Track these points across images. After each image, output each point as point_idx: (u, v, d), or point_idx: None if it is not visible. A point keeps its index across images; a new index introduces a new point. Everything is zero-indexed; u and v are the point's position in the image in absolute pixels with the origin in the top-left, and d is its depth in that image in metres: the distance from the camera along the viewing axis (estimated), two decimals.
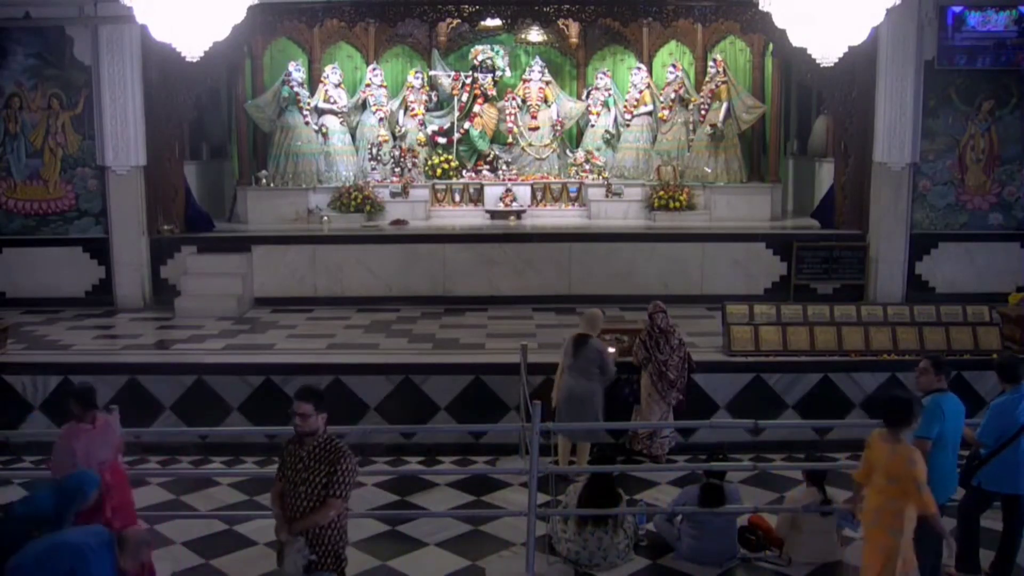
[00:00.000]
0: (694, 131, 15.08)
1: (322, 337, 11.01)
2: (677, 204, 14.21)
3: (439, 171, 15.16)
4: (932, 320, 10.24)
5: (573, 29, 15.77)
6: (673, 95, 15.19)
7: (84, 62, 12.22)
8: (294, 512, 5.16)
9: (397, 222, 14.04)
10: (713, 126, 14.69)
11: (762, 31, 13.05)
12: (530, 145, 15.56)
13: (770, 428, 9.12)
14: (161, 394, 9.64)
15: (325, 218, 14.10)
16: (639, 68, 15.48)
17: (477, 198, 14.89)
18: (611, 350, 8.98)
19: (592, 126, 15.76)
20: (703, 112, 14.87)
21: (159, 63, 12.04)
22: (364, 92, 15.25)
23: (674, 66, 15.34)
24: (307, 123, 14.68)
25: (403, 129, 15.42)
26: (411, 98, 15.47)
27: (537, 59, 15.83)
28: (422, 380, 9.66)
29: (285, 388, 9.61)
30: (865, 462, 5.75)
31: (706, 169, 14.82)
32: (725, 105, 14.68)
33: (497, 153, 15.64)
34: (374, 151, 15.00)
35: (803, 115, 16.39)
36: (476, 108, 15.64)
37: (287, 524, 5.18)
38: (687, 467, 8.61)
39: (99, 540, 4.89)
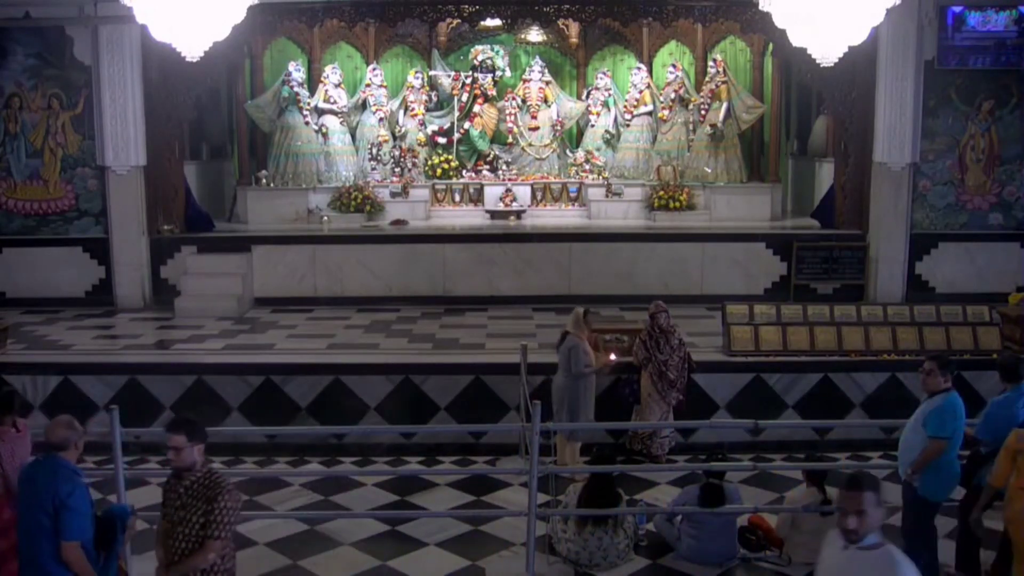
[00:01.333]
0: (694, 131, 15.08)
1: (322, 337, 11.01)
2: (677, 204, 14.21)
3: (439, 171, 15.16)
4: (932, 320, 10.23)
5: (573, 29, 15.77)
6: (673, 95, 15.19)
7: (84, 62, 12.22)
8: (173, 554, 4.68)
9: (397, 222, 14.04)
10: (713, 126, 14.69)
11: (762, 31, 13.05)
12: (530, 145, 15.56)
13: (770, 428, 9.12)
14: (161, 394, 9.63)
15: (325, 218, 14.10)
16: (639, 68, 15.48)
17: (477, 198, 14.89)
18: (612, 357, 8.90)
19: (592, 126, 15.77)
20: (703, 112, 14.87)
21: (159, 63, 12.04)
22: (364, 92, 15.25)
23: (674, 66, 15.35)
24: (307, 123, 14.68)
25: (403, 129, 15.42)
26: (411, 98, 15.47)
27: (537, 59, 15.83)
28: (422, 380, 9.65)
29: (285, 388, 9.64)
30: (1003, 465, 5.80)
31: (706, 169, 14.82)
32: (725, 105, 14.69)
33: (497, 153, 15.64)
34: (374, 151, 15.00)
35: (803, 115, 16.39)
36: (476, 108, 15.64)
37: (165, 568, 4.72)
38: (687, 467, 8.61)
39: (42, 466, 5.05)
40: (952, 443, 6.09)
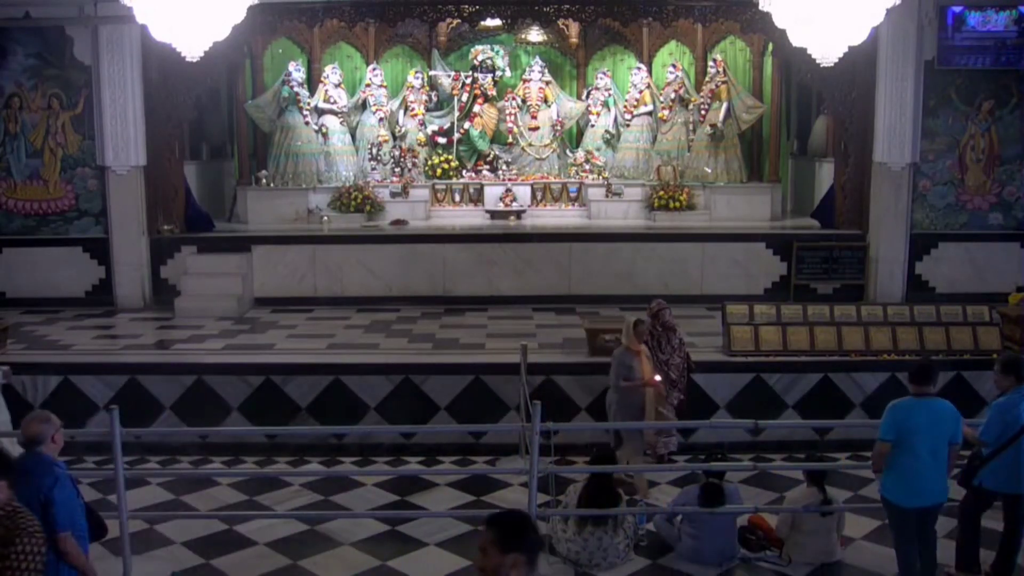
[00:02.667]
0: (694, 131, 15.09)
1: (322, 337, 11.01)
2: (677, 204, 14.21)
3: (439, 171, 15.16)
4: (932, 320, 10.23)
5: (573, 29, 15.77)
6: (673, 95, 15.20)
7: (84, 62, 12.21)
8: None
9: (397, 222, 14.03)
10: (713, 126, 14.70)
11: (762, 31, 13.05)
12: (530, 145, 15.56)
13: (770, 428, 9.12)
14: (161, 394, 9.63)
15: (325, 218, 14.10)
16: (639, 68, 15.48)
17: (477, 198, 14.89)
18: (657, 378, 8.35)
19: (592, 126, 15.77)
20: (703, 112, 14.87)
21: (159, 63, 12.04)
22: (364, 92, 15.26)
23: (674, 66, 15.35)
24: (307, 123, 14.68)
25: (403, 129, 15.42)
26: (411, 98, 15.47)
27: (537, 59, 15.83)
28: (422, 380, 9.65)
29: (285, 388, 9.64)
30: None
31: (706, 169, 14.82)
32: (725, 105, 14.69)
33: (497, 153, 15.64)
34: (374, 151, 15.00)
35: (803, 115, 16.39)
36: (476, 108, 15.64)
37: None
38: (687, 467, 8.59)
39: (23, 465, 4.98)
40: (907, 448, 5.90)
